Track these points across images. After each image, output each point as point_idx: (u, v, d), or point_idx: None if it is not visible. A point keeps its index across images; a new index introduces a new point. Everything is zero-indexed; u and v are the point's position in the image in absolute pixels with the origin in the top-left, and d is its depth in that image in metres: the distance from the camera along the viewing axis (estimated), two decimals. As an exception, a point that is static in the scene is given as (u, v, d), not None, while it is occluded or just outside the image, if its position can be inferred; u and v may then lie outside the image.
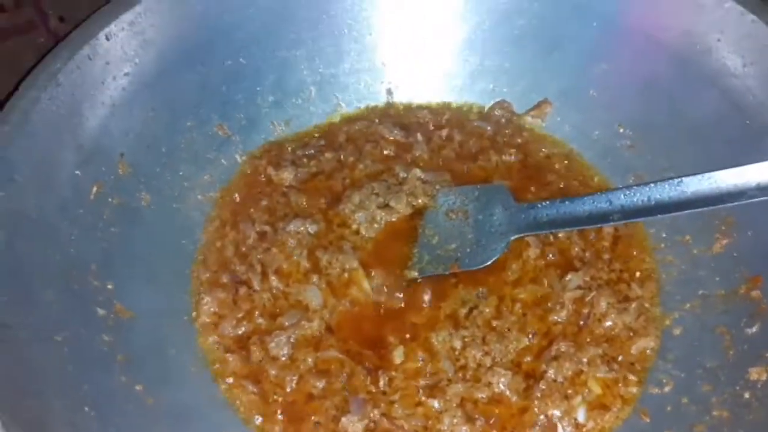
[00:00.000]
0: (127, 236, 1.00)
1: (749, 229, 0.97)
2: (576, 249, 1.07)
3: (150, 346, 0.93)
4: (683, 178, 0.93)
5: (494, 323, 1.00)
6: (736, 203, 0.88)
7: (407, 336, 1.00)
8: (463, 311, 1.02)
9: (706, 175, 0.91)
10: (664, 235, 1.07)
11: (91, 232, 0.96)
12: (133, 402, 0.85)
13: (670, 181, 0.94)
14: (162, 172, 1.08)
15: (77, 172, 0.96)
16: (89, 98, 0.99)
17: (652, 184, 0.95)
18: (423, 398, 0.94)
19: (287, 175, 1.16)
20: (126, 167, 1.02)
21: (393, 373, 0.96)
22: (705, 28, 1.05)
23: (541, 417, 0.92)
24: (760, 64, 1.02)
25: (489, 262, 1.03)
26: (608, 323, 0.99)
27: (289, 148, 1.20)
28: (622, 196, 0.98)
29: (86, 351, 0.85)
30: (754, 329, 0.90)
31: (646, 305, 1.02)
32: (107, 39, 1.01)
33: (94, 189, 0.98)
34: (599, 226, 1.04)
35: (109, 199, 0.99)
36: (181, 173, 1.11)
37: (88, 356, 0.84)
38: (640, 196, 0.96)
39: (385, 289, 1.04)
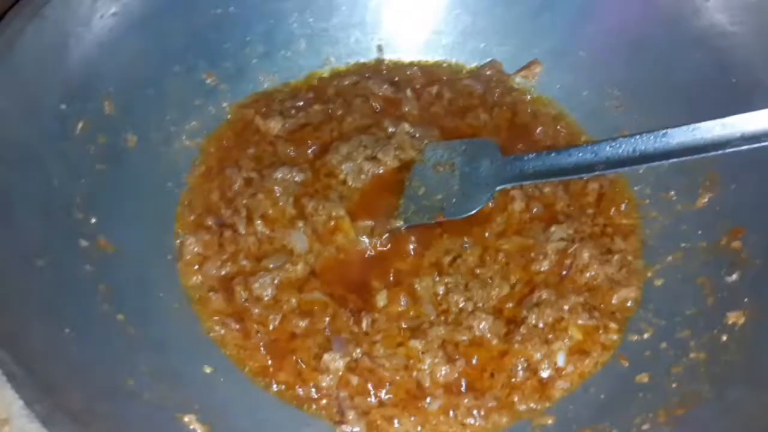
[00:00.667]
0: (113, 175, 0.99)
1: (733, 182, 0.98)
2: (561, 204, 1.08)
3: (132, 280, 0.92)
4: (668, 130, 0.94)
5: (477, 271, 1.01)
6: (720, 152, 0.89)
7: (391, 281, 1.01)
8: (447, 259, 1.02)
9: (691, 126, 0.92)
10: (648, 191, 1.08)
11: (76, 167, 0.95)
12: (114, 329, 0.84)
13: (656, 132, 0.95)
14: (148, 115, 1.08)
15: (63, 106, 0.95)
16: (75, 35, 0.98)
17: (638, 136, 0.96)
18: (405, 339, 0.95)
19: (275, 125, 1.15)
20: (112, 106, 1.02)
21: (376, 315, 0.97)
22: (695, -14, 1.06)
23: (522, 359, 0.92)
24: (747, 24, 1.03)
25: (473, 211, 1.04)
26: (590, 274, 1.00)
27: (278, 99, 1.20)
28: (607, 147, 0.98)
29: (68, 277, 0.84)
30: (734, 277, 0.91)
31: (629, 258, 1.03)
32: (95, -24, 1.00)
33: (80, 125, 0.97)
34: (584, 176, 1.05)
35: (96, 137, 0.99)
36: (168, 117, 1.11)
37: (70, 283, 0.84)
38: (625, 147, 0.97)
39: (371, 237, 1.04)
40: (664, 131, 0.94)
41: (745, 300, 0.87)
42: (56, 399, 0.66)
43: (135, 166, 1.04)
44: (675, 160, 0.94)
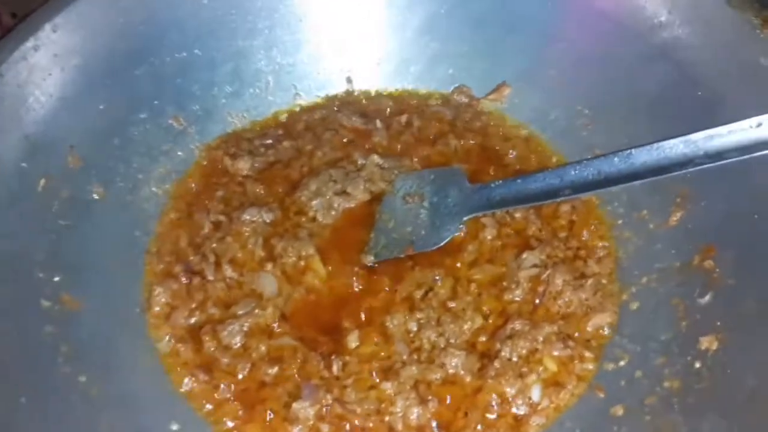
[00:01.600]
0: (77, 229, 0.99)
1: (702, 199, 0.96)
2: (533, 228, 1.06)
3: (97, 336, 0.91)
4: (632, 150, 0.92)
5: (449, 304, 0.99)
6: (684, 171, 0.86)
7: (363, 320, 0.99)
8: (419, 293, 1.01)
9: (654, 145, 0.90)
10: (621, 211, 1.06)
11: (39, 225, 0.95)
12: (75, 393, 0.83)
13: (620, 153, 0.93)
14: (115, 165, 1.08)
15: (23, 164, 0.95)
16: (37, 89, 0.98)
17: (602, 158, 0.94)
18: (376, 381, 0.93)
19: (244, 165, 1.15)
20: (77, 160, 1.02)
21: (347, 358, 0.95)
22: (656, 2, 1.04)
23: (495, 396, 0.90)
24: (710, 36, 1.01)
25: (442, 243, 1.03)
26: (564, 300, 0.98)
27: (247, 139, 1.19)
28: (572, 171, 0.97)
29: (27, 341, 0.84)
30: (706, 298, 0.89)
31: (603, 281, 1.00)
32: (54, 31, 1.01)
33: (42, 182, 0.97)
34: (551, 202, 1.03)
35: (59, 192, 0.99)
36: (134, 165, 1.10)
37: (29, 346, 0.83)
38: (590, 171, 0.95)
39: (342, 275, 1.03)
40: (628, 152, 0.92)
41: (718, 323, 0.85)
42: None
43: (101, 217, 1.03)
44: (641, 181, 0.91)
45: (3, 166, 0.93)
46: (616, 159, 0.94)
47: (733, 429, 0.73)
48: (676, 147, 0.89)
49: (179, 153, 1.16)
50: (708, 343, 0.84)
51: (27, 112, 0.97)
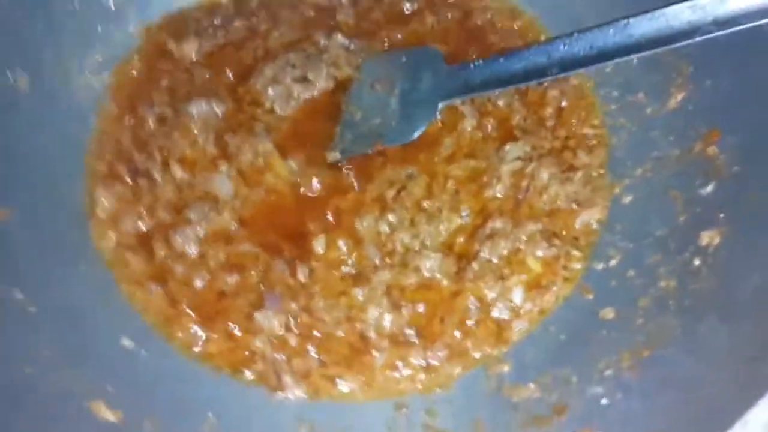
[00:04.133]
0: (1, 124, 0.86)
1: (708, 78, 0.86)
2: (517, 117, 0.96)
3: (31, 247, 0.82)
4: (630, 19, 0.79)
5: (424, 204, 0.90)
6: (690, 41, 0.75)
7: (330, 223, 0.90)
8: (391, 193, 0.91)
9: (656, 12, 0.78)
10: (615, 95, 0.96)
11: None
12: (8, 311, 0.75)
13: (616, 23, 0.80)
14: (41, 51, 0.94)
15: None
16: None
17: (596, 29, 0.82)
18: (346, 288, 0.85)
19: (190, 48, 1.02)
20: (-8, 43, 0.87)
21: (314, 264, 0.87)
22: None
23: (474, 300, 0.83)
24: None
25: (415, 135, 0.92)
26: (550, 195, 0.89)
27: (193, 18, 1.05)
28: (561, 46, 0.84)
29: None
30: (708, 189, 0.80)
31: (593, 174, 0.92)
32: None
33: (-49, 70, 0.83)
34: (537, 82, 0.91)
35: (-28, 81, 0.85)
36: (65, 50, 0.96)
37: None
38: (581, 45, 0.83)
39: (305, 174, 0.92)
40: (624, 21, 0.80)
41: (721, 216, 0.77)
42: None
43: (29, 111, 0.91)
44: (639, 54, 0.80)
45: None
46: (611, 30, 0.81)
47: (734, 333, 0.66)
48: (680, 13, 0.77)
49: (116, 36, 1.02)
50: (709, 238, 0.77)
51: None
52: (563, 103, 0.97)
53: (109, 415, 0.71)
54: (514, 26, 1.06)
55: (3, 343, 0.72)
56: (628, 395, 0.69)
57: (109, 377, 0.75)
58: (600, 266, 0.85)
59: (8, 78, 0.89)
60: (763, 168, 0.77)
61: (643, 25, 0.79)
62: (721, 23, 0.74)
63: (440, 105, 0.92)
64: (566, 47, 0.84)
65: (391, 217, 0.89)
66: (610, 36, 0.81)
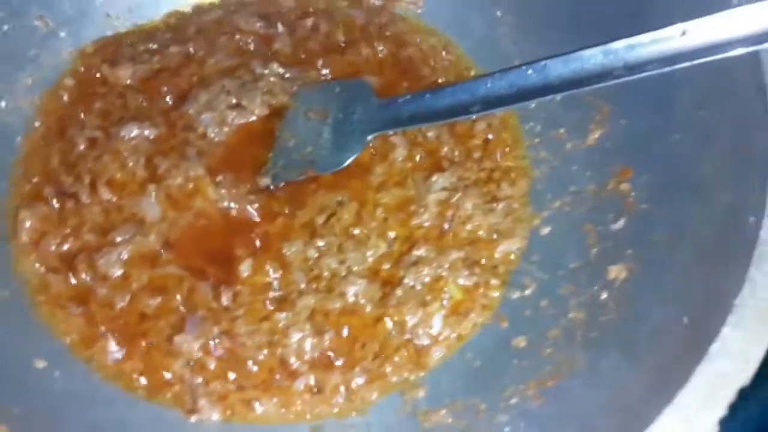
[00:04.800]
0: None
1: (624, 117, 0.90)
2: (445, 149, 0.98)
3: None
4: (547, 61, 0.83)
5: (353, 230, 0.92)
6: (602, 84, 0.78)
7: (257, 248, 0.91)
8: (321, 219, 0.92)
9: (572, 55, 0.81)
10: (538, 129, 0.99)
11: None
12: None
13: (534, 64, 0.84)
14: (-32, 72, 0.93)
15: None
16: None
17: (515, 70, 0.85)
18: (270, 313, 0.86)
19: (124, 73, 1.02)
20: None
21: (238, 288, 0.87)
22: None
23: (394, 326, 0.85)
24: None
25: (344, 164, 0.94)
26: (473, 225, 0.92)
27: (129, 43, 1.05)
28: (484, 85, 0.87)
29: None
30: (619, 224, 0.84)
31: (515, 205, 0.94)
32: None
33: None
34: (462, 119, 0.95)
35: None
36: (-7, 72, 0.95)
37: None
38: (502, 84, 0.86)
39: (235, 199, 0.93)
40: (542, 63, 0.83)
41: (628, 252, 0.80)
42: None
43: (-47, 132, 0.90)
44: (556, 95, 0.83)
45: None
46: (530, 71, 0.84)
47: (631, 368, 0.69)
48: (594, 57, 0.80)
49: (48, 60, 1.02)
50: (616, 272, 0.80)
51: None
52: (490, 136, 1.00)
53: (12, 440, 0.70)
54: (446, 60, 1.09)
55: None
56: (531, 425, 0.71)
57: (17, 399, 0.73)
58: (516, 295, 0.87)
59: (-67, 99, 0.89)
60: (670, 207, 0.80)
61: (560, 67, 0.82)
62: (631, 68, 0.78)
63: (370, 136, 0.94)
64: (489, 86, 0.87)
65: (319, 243, 0.90)
66: (530, 76, 0.84)
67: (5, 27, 0.97)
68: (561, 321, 0.80)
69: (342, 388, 0.82)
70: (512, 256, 0.91)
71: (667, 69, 0.76)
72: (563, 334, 0.78)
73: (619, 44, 0.79)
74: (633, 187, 0.86)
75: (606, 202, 0.87)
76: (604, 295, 0.79)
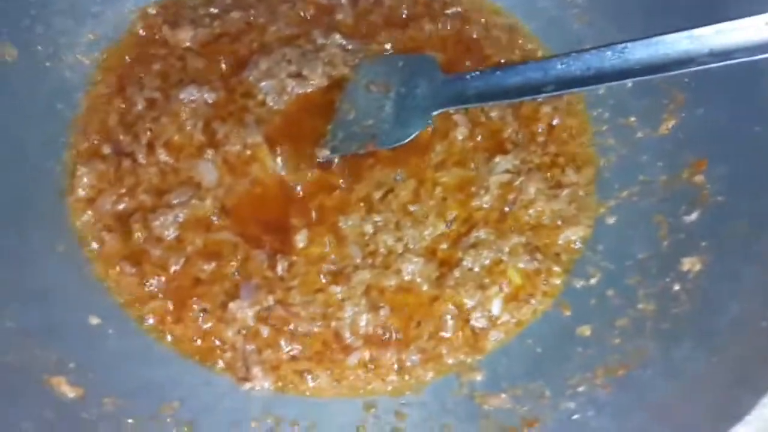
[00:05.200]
0: (-15, 94, 0.85)
1: (700, 107, 0.87)
2: (509, 130, 0.96)
3: (7, 218, 0.80)
4: (627, 44, 0.80)
5: (410, 208, 0.90)
6: (685, 70, 0.76)
7: (314, 219, 0.89)
8: (378, 194, 0.91)
9: (653, 39, 0.79)
10: (606, 116, 0.96)
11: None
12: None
13: (613, 47, 0.81)
14: (32, 24, 0.93)
15: None
16: None
17: (593, 51, 0.82)
18: (324, 284, 0.84)
19: (185, 35, 1.00)
20: (-18, 13, 0.86)
21: (293, 258, 0.86)
22: None
23: (452, 307, 0.82)
24: None
25: (406, 140, 0.92)
26: (535, 210, 0.89)
27: (190, 5, 1.04)
28: (558, 65, 0.85)
29: None
30: (692, 217, 0.81)
31: (580, 192, 0.92)
32: None
33: (-61, 33, 0.82)
34: (532, 98, 0.92)
35: (-41, 49, 0.84)
36: (56, 27, 0.95)
37: None
38: (578, 65, 0.83)
39: (293, 169, 0.91)
40: (623, 45, 0.81)
41: (703, 244, 0.77)
42: None
43: (15, 84, 0.90)
44: (634, 78, 0.80)
45: None
46: (608, 53, 0.82)
47: (710, 360, 0.66)
48: (678, 42, 0.78)
49: (110, 17, 1.01)
50: (690, 264, 0.77)
51: None
52: (555, 121, 0.97)
53: (68, 391, 0.69)
54: (511, 41, 1.06)
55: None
56: (601, 413, 0.69)
57: (72, 354, 0.73)
58: (580, 284, 0.85)
59: (-2, 51, 0.88)
60: (747, 199, 0.78)
61: (640, 51, 0.80)
62: (716, 55, 0.75)
63: (434, 113, 0.92)
64: (563, 66, 0.84)
65: (376, 218, 0.88)
66: (607, 59, 0.82)
67: (70, -19, 0.95)
68: (629, 311, 0.77)
69: (396, 366, 0.80)
70: (576, 244, 0.88)
71: (754, 58, 0.73)
72: (632, 324, 0.76)
73: (705, 30, 0.76)
74: (707, 179, 0.83)
75: (678, 193, 0.84)
76: (676, 287, 0.76)
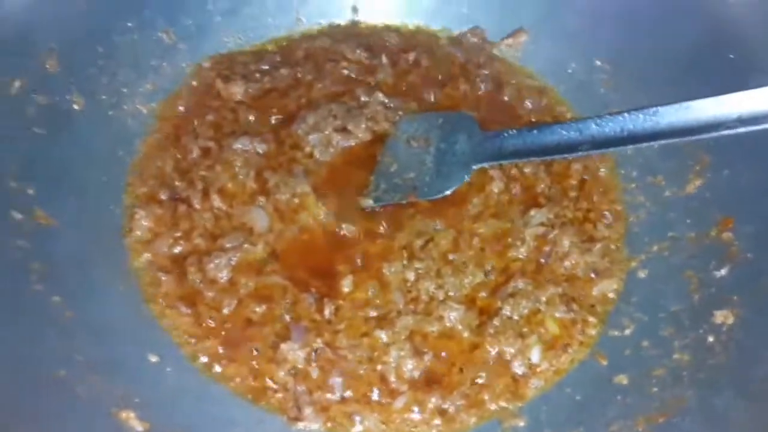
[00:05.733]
0: (54, 139, 0.91)
1: (725, 168, 0.92)
2: (542, 185, 1.01)
3: (73, 257, 0.84)
4: (658, 108, 0.86)
5: (450, 256, 0.94)
6: (714, 134, 0.81)
7: (358, 266, 0.93)
8: (419, 243, 0.95)
9: (683, 104, 0.84)
10: (634, 175, 1.02)
11: (11, 130, 0.86)
12: (48, 313, 0.76)
13: (645, 110, 0.87)
14: (98, 75, 0.99)
15: (-4, 62, 0.85)
16: (13, -20, 0.87)
17: (626, 114, 0.88)
18: (370, 329, 0.88)
19: (237, 90, 1.06)
20: (55, 64, 0.93)
21: (340, 302, 0.90)
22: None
23: (493, 354, 0.86)
24: (748, -5, 0.95)
25: (447, 192, 0.97)
26: (570, 263, 0.93)
27: (242, 62, 1.11)
28: (593, 125, 0.91)
29: (-4, 253, 0.75)
30: (722, 272, 0.85)
31: (612, 246, 0.96)
32: None
33: (17, 84, 0.88)
34: (568, 156, 0.97)
35: (34, 97, 0.90)
36: (119, 78, 1.02)
37: (-1, 259, 0.75)
38: (612, 126, 0.89)
39: (338, 217, 0.96)
40: (654, 109, 0.87)
41: (734, 298, 0.82)
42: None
43: (80, 130, 0.95)
44: (665, 141, 0.86)
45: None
46: (641, 116, 0.88)
47: (749, 408, 0.69)
48: (706, 108, 0.84)
49: (168, 70, 1.08)
50: (723, 317, 0.81)
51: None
52: (585, 177, 1.03)
53: (137, 425, 0.72)
54: (542, 102, 1.12)
55: (42, 343, 0.73)
56: (642, 460, 0.72)
57: (136, 389, 0.76)
58: (615, 334, 0.88)
59: (67, 100, 0.94)
60: (778, 256, 0.82)
61: (671, 115, 0.86)
62: (745, 121, 0.81)
63: (474, 167, 0.97)
64: (597, 127, 0.90)
65: (417, 266, 0.93)
66: (639, 121, 0.87)
67: (135, 36, 1.02)
68: (665, 361, 0.81)
69: (440, 411, 0.83)
70: (610, 296, 0.92)
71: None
72: (668, 373, 0.79)
73: (732, 97, 0.82)
74: (735, 236, 0.87)
75: (707, 249, 0.89)
76: (710, 339, 0.80)
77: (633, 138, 0.88)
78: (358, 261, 0.94)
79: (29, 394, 0.67)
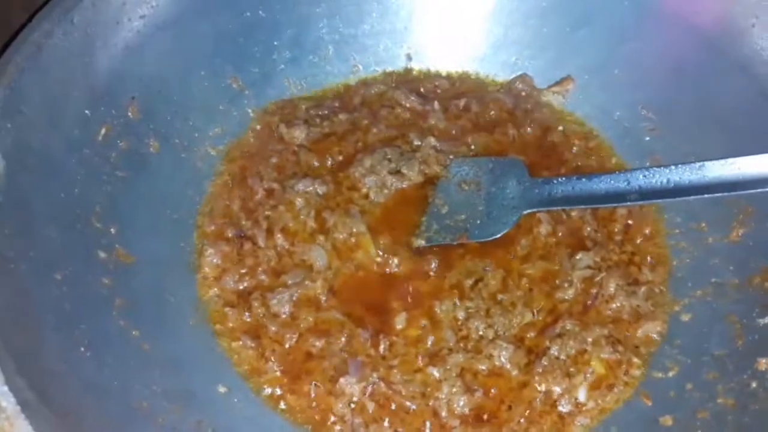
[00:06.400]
0: (133, 181, 0.98)
1: (768, 220, 0.95)
2: (588, 229, 1.05)
3: (149, 292, 0.91)
4: (705, 163, 0.91)
5: (499, 297, 0.99)
6: (758, 191, 0.85)
7: (410, 303, 0.99)
8: (469, 282, 1.00)
9: (729, 160, 0.89)
10: (678, 221, 1.05)
11: (97, 174, 0.94)
12: (129, 346, 0.83)
13: (691, 164, 0.92)
14: (172, 121, 1.07)
15: (87, 111, 0.94)
16: (103, 38, 0.96)
17: (672, 167, 0.93)
18: (422, 365, 0.93)
19: (299, 134, 1.13)
20: (136, 112, 1.01)
21: (394, 338, 0.95)
22: (740, 11, 1.02)
23: (541, 393, 0.90)
24: (795, 52, 0.98)
25: (498, 235, 1.02)
26: (616, 305, 0.97)
27: (303, 107, 1.18)
28: (641, 176, 0.95)
29: (85, 291, 0.83)
30: (766, 320, 0.88)
31: (656, 290, 1.00)
32: (123, -21, 0.98)
33: (103, 131, 0.96)
34: (615, 205, 1.02)
35: (118, 143, 0.98)
36: (191, 123, 1.09)
37: (87, 297, 0.83)
38: (659, 178, 0.94)
39: (392, 256, 1.02)
40: (700, 164, 0.91)
41: (779, 346, 0.84)
42: (70, 426, 0.65)
43: (156, 172, 1.03)
44: (711, 195, 0.90)
45: (67, 112, 0.92)
46: (687, 169, 0.92)
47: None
48: (752, 164, 0.88)
49: (235, 114, 1.15)
50: (767, 364, 0.83)
51: (93, 60, 0.95)
52: (630, 222, 1.06)
53: (213, 453, 0.78)
54: (588, 148, 1.17)
55: (126, 374, 0.80)
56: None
57: (208, 418, 0.82)
58: (659, 375, 0.91)
59: (145, 144, 1.02)
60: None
61: (717, 170, 0.90)
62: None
63: (525, 212, 1.02)
64: (645, 178, 0.95)
65: (468, 305, 0.97)
66: (686, 174, 0.92)
67: (206, 83, 1.10)
68: (709, 404, 0.84)
69: (491, 446, 0.87)
70: (654, 338, 0.95)
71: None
72: (713, 417, 0.82)
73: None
74: (779, 285, 0.90)
75: (750, 296, 0.92)
76: (753, 384, 0.83)
77: (679, 190, 0.93)
78: (410, 299, 0.99)
79: (120, 426, 0.73)
